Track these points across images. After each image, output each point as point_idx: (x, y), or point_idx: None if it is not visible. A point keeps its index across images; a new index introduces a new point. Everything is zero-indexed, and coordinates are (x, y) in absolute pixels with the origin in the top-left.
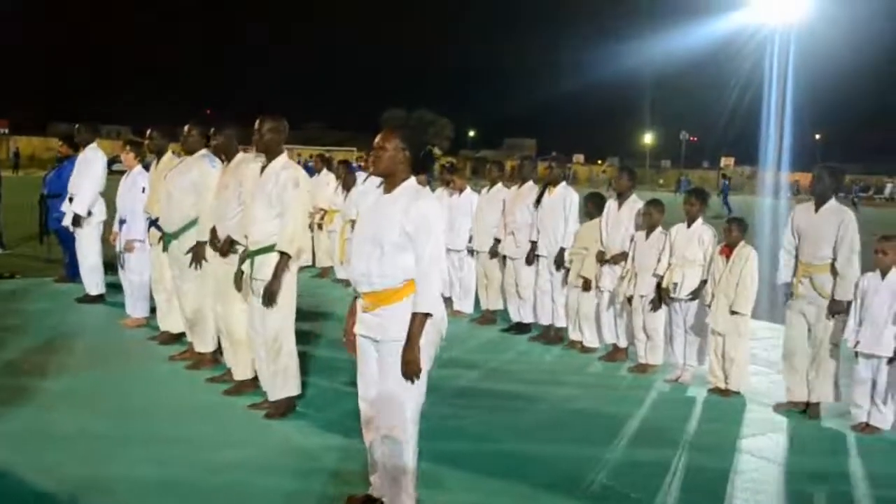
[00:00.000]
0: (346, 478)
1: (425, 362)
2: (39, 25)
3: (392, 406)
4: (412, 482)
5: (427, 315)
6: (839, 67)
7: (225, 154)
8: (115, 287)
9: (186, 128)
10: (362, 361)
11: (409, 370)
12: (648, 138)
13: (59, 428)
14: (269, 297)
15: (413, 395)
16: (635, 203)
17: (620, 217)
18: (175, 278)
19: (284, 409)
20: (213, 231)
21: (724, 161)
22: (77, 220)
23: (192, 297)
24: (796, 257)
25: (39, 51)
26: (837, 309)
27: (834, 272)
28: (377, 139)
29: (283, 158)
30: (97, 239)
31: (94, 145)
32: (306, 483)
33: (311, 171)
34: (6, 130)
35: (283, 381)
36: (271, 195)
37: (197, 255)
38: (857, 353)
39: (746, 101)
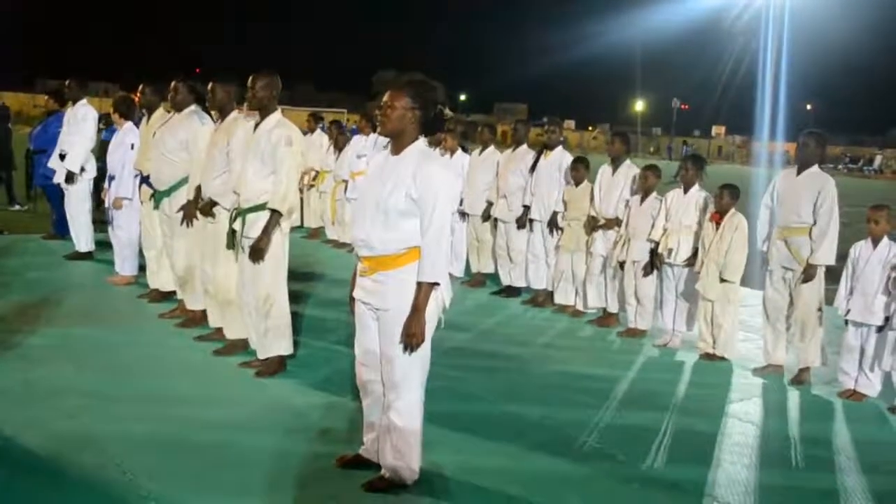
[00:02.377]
0: (334, 436)
1: (428, 332)
2: None
3: (398, 375)
4: (416, 456)
5: (434, 285)
6: (833, 38)
7: (220, 110)
8: (104, 245)
9: (173, 85)
10: (360, 326)
11: (412, 341)
12: (640, 105)
13: (46, 384)
14: (257, 254)
15: (418, 364)
16: (630, 168)
17: (615, 182)
18: (166, 236)
19: (275, 368)
20: (198, 189)
21: (714, 130)
22: (70, 177)
23: (183, 255)
24: (771, 222)
25: (25, 5)
26: (812, 273)
27: (811, 236)
28: (385, 97)
29: (276, 116)
30: (88, 195)
31: (84, 101)
32: (294, 441)
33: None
34: None
35: (274, 340)
36: (264, 153)
37: (187, 213)
38: (847, 321)
39: (740, 71)
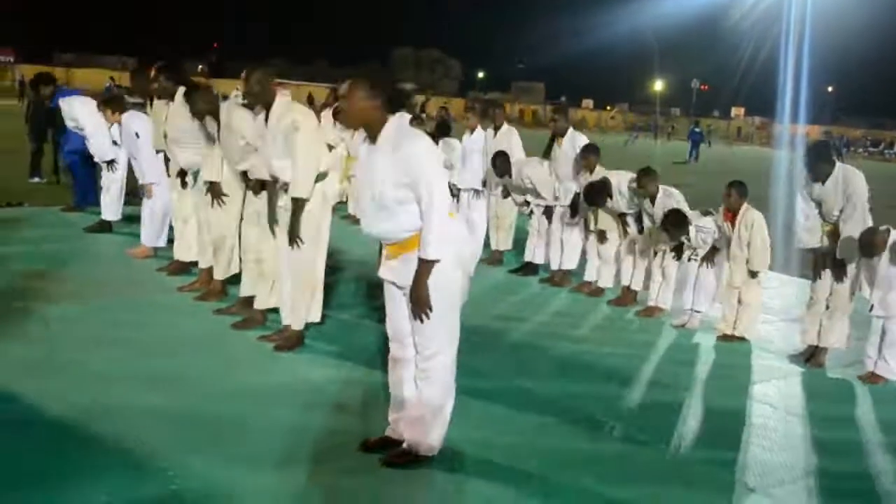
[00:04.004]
0: (351, 410)
1: (446, 300)
2: None
3: (427, 345)
4: (438, 432)
5: (432, 262)
6: (855, 21)
7: (261, 101)
8: (130, 218)
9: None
10: (390, 303)
11: (418, 310)
12: (659, 85)
13: (65, 356)
14: (291, 240)
15: (444, 333)
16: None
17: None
18: (197, 207)
19: (294, 342)
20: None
21: (734, 111)
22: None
23: (216, 225)
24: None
25: None
26: (843, 270)
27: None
28: (341, 92)
29: (279, 103)
30: (123, 165)
31: None
32: (312, 415)
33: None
34: (11, 59)
35: (304, 312)
36: (280, 143)
37: (214, 192)
38: (872, 306)
39: (760, 52)
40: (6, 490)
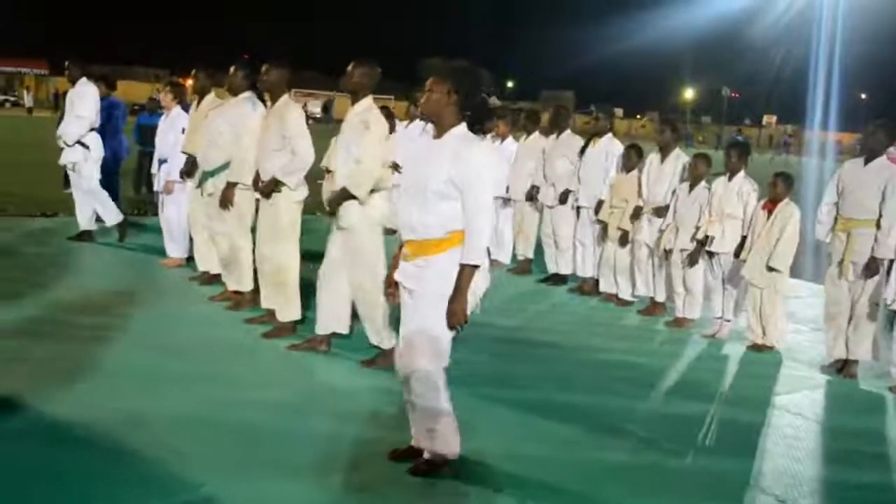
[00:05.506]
0: (382, 420)
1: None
2: None
3: (418, 347)
4: (450, 437)
5: (475, 267)
6: (888, 26)
7: (272, 93)
8: (155, 230)
9: (232, 68)
10: (403, 309)
11: (453, 321)
12: (689, 93)
13: (99, 365)
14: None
15: (437, 338)
16: (679, 157)
17: (663, 171)
18: (209, 217)
19: (321, 342)
20: (257, 173)
21: (766, 119)
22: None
23: (227, 237)
24: (837, 213)
25: None
26: (874, 267)
27: (877, 228)
28: (427, 82)
29: (364, 102)
30: (95, 172)
31: (83, 80)
32: (342, 424)
33: None
34: (46, 72)
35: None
36: (350, 140)
37: (226, 196)
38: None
39: (792, 59)
40: (41, 499)
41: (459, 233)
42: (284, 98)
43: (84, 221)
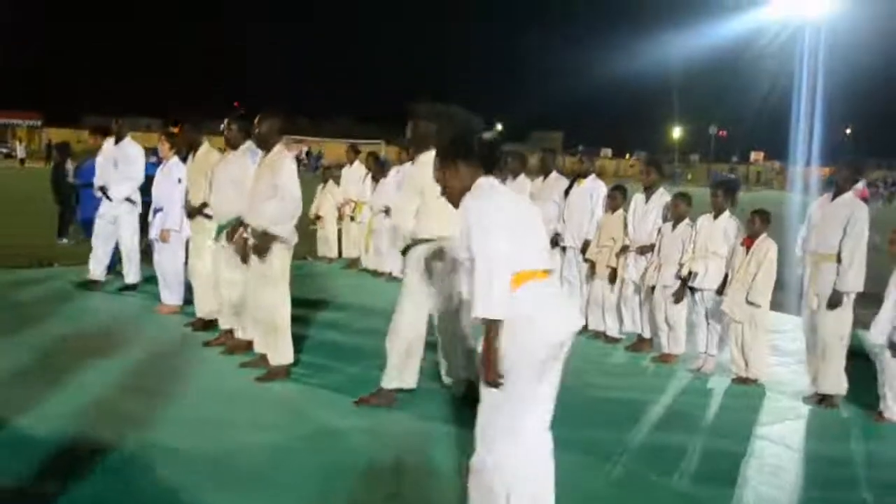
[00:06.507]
0: (376, 458)
1: (507, 374)
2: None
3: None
4: None
5: (494, 321)
6: (870, 61)
7: (265, 143)
8: (151, 277)
9: (226, 122)
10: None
11: (486, 378)
12: (677, 132)
13: (95, 408)
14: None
15: (495, 413)
16: (662, 196)
17: (648, 210)
18: (220, 268)
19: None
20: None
21: (753, 156)
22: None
23: (240, 286)
24: (805, 248)
25: (71, 44)
26: (836, 300)
27: (838, 262)
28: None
29: (276, 151)
30: (137, 228)
31: (128, 139)
32: (337, 464)
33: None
34: (39, 123)
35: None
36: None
37: (260, 249)
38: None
39: (777, 95)
40: None
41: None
42: (278, 147)
43: (97, 271)
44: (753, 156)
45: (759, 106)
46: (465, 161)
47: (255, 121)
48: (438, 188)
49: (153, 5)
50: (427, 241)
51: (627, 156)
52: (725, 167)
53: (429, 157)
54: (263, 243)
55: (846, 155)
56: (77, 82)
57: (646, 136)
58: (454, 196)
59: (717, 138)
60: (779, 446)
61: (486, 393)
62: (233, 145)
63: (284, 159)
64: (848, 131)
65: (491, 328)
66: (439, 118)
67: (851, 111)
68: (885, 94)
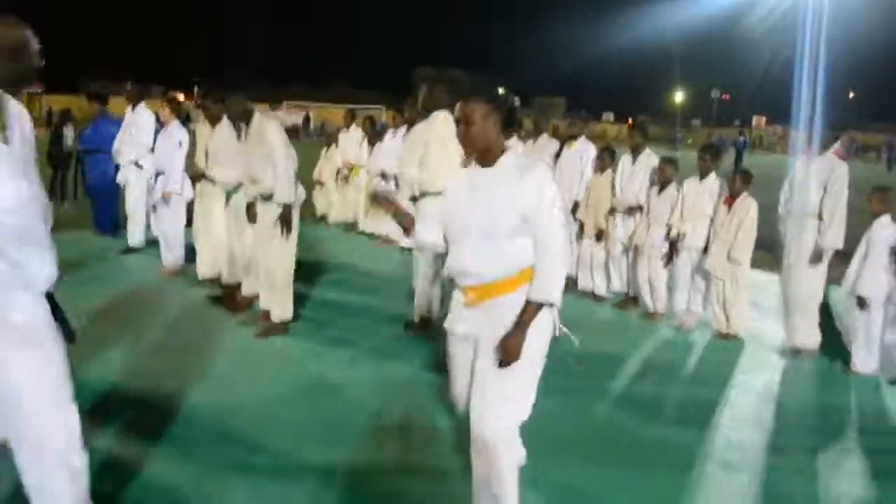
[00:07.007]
0: (374, 409)
1: (537, 357)
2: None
3: (492, 413)
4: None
5: (550, 305)
6: (876, 24)
7: (243, 119)
8: (152, 239)
9: (201, 105)
10: (459, 369)
11: (509, 356)
12: (679, 97)
13: (92, 364)
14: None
15: (516, 405)
16: (649, 157)
17: (635, 171)
18: (231, 229)
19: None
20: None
21: (755, 120)
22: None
23: (250, 246)
24: (787, 207)
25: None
26: (817, 256)
27: (819, 220)
28: (459, 113)
29: (257, 119)
30: (145, 192)
31: (142, 105)
32: (334, 413)
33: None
34: (40, 90)
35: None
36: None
37: (284, 219)
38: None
39: (780, 59)
40: None
41: (530, 270)
42: (257, 117)
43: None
44: (755, 120)
45: (762, 70)
46: (502, 120)
47: (225, 105)
48: (444, 142)
49: (153, 5)
50: (436, 194)
51: (630, 120)
52: (733, 131)
53: (435, 115)
54: (284, 216)
55: (850, 120)
56: (75, 48)
57: (648, 100)
58: (480, 148)
59: (721, 102)
60: (754, 395)
61: (507, 372)
62: (216, 120)
63: (266, 125)
64: (851, 95)
65: (535, 312)
66: (452, 82)
67: (855, 76)
68: (890, 59)
